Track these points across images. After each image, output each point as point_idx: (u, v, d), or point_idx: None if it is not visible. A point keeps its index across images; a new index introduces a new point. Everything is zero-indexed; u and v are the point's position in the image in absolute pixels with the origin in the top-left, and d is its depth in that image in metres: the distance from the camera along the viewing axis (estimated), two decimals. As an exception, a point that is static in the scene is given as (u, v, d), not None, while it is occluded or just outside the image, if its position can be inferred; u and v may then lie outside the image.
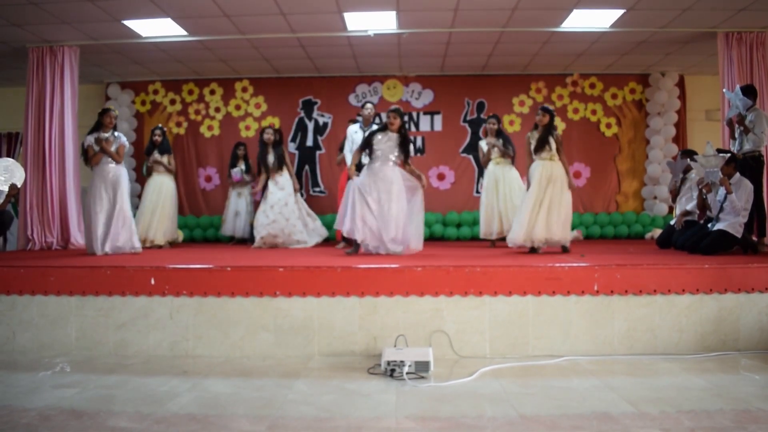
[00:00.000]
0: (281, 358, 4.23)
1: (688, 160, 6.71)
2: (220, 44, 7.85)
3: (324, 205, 8.99)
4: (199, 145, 9.46)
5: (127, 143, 6.38)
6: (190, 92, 9.47)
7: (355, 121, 7.35)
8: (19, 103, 8.16)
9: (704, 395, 3.24)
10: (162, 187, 7.44)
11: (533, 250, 5.74)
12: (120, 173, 6.11)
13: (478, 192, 9.31)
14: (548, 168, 5.76)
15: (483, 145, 7.29)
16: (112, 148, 6.09)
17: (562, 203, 5.74)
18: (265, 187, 7.35)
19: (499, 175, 7.03)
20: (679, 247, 6.05)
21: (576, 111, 9.33)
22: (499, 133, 7.17)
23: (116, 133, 6.21)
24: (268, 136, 7.42)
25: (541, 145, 5.78)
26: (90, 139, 6.10)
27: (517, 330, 4.27)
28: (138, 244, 6.22)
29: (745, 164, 5.86)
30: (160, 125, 7.93)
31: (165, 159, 7.52)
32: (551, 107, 6.01)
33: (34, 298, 4.45)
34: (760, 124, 5.83)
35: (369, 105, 6.95)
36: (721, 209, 5.66)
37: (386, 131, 5.80)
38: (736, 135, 6.11)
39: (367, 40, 7.68)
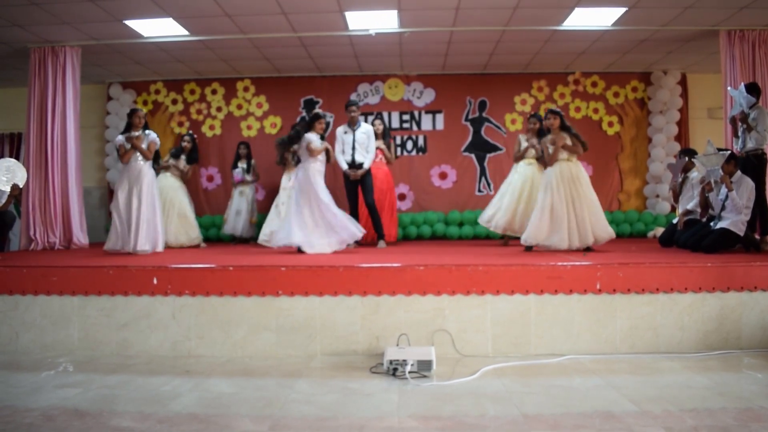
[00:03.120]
0: (283, 357, 4.24)
1: (687, 159, 6.71)
2: (222, 44, 7.86)
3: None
4: (201, 144, 9.42)
5: (158, 140, 6.46)
6: (192, 92, 9.47)
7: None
8: (21, 104, 8.16)
9: (707, 394, 3.24)
10: (169, 190, 7.48)
11: (588, 249, 5.75)
12: (145, 171, 6.23)
13: (480, 191, 9.32)
14: (566, 169, 5.80)
15: (522, 140, 7.07)
16: (143, 145, 6.22)
17: (592, 201, 5.83)
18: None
19: (529, 175, 6.89)
20: (682, 245, 6.04)
21: (578, 109, 9.31)
22: (540, 134, 6.96)
23: (147, 131, 6.35)
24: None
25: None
26: (121, 138, 6.28)
27: (519, 329, 4.27)
28: (160, 246, 6.27)
29: (747, 162, 5.85)
30: (190, 132, 8.00)
31: (187, 167, 7.70)
32: (557, 108, 6.03)
33: (37, 299, 4.46)
34: (763, 121, 5.80)
35: (353, 107, 7.04)
36: (723, 207, 5.65)
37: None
38: (739, 133, 6.10)
39: (369, 39, 7.68)
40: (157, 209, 6.29)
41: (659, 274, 4.29)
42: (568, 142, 5.81)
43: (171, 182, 7.61)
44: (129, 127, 6.30)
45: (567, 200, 5.73)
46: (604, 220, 5.87)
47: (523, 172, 6.96)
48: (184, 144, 7.76)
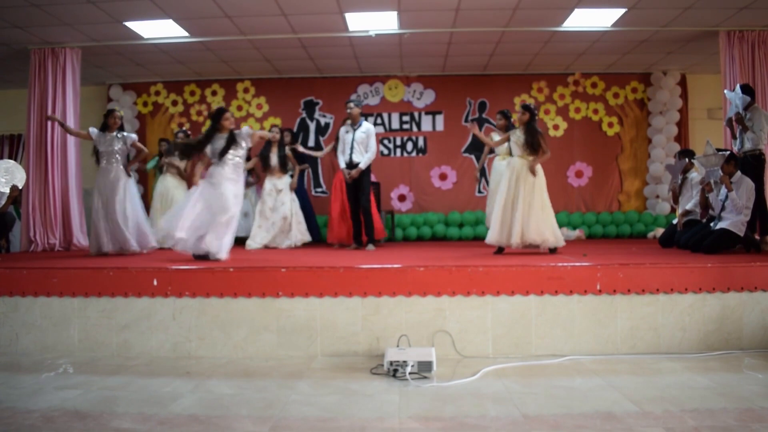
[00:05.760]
0: (284, 358, 4.23)
1: (686, 159, 6.71)
2: (222, 45, 7.86)
3: (325, 205, 8.98)
4: (201, 146, 9.46)
5: (135, 136, 6.38)
6: (192, 93, 9.48)
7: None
8: (21, 105, 8.17)
9: (707, 394, 3.24)
10: (169, 191, 7.44)
11: (500, 251, 5.71)
12: (120, 174, 6.12)
13: (480, 192, 9.32)
14: (519, 165, 5.64)
15: (494, 136, 6.98)
16: (117, 147, 6.13)
17: (543, 201, 5.62)
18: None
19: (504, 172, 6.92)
20: (682, 246, 6.05)
21: (578, 110, 9.33)
22: (507, 130, 7.00)
23: (123, 133, 6.25)
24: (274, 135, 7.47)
25: (526, 144, 5.65)
26: (94, 131, 6.21)
27: (519, 330, 4.26)
28: (152, 242, 6.23)
29: (745, 163, 5.85)
30: (185, 128, 7.96)
31: (183, 164, 7.56)
32: (531, 104, 5.95)
33: (37, 300, 4.45)
34: (758, 121, 5.82)
35: (351, 104, 6.88)
36: (723, 208, 5.66)
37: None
38: (737, 134, 6.11)
39: (369, 40, 7.68)
40: (140, 208, 6.23)
41: (660, 275, 4.29)
42: (493, 138, 6.17)
43: (170, 183, 7.55)
44: (104, 128, 6.17)
45: (514, 195, 5.56)
46: (554, 223, 5.63)
47: (498, 169, 6.86)
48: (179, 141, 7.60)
